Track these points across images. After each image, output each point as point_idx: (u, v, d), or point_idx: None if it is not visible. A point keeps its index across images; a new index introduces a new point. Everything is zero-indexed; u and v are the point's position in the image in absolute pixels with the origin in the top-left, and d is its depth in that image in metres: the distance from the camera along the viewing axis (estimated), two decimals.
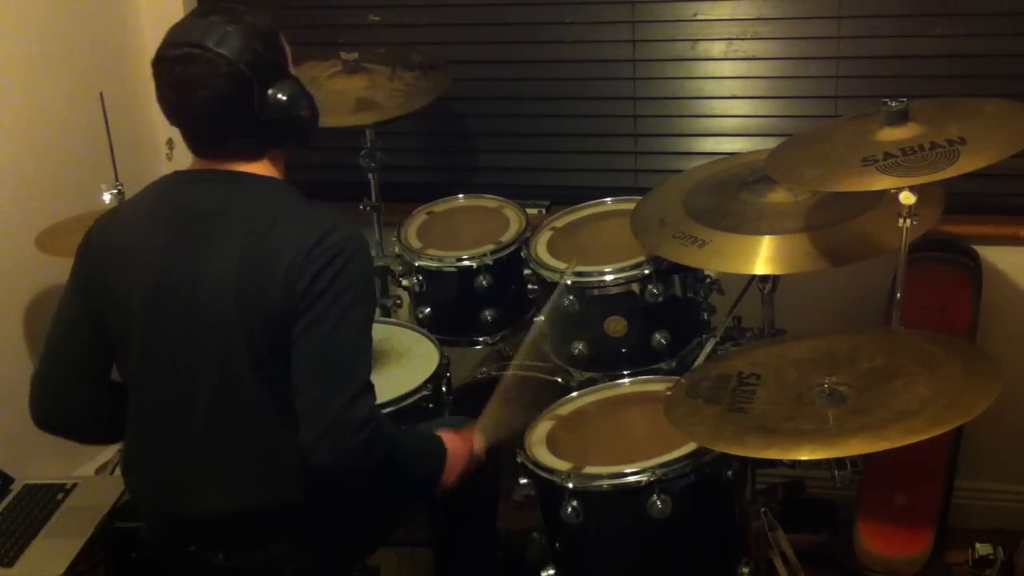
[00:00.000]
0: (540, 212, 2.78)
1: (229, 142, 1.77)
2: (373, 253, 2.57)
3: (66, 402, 1.87)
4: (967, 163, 1.76)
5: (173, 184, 1.83)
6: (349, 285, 1.71)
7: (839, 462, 1.93)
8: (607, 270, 2.27)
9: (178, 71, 1.71)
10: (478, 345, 2.57)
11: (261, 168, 1.80)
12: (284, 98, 1.75)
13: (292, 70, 1.82)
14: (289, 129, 1.78)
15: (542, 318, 2.26)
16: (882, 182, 1.79)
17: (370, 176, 2.73)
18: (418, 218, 2.69)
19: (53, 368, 1.88)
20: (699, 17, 2.74)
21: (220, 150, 1.78)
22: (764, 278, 2.16)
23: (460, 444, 1.98)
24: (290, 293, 1.69)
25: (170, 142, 2.99)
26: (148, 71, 1.76)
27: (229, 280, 1.71)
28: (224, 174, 1.78)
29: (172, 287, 1.74)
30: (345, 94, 2.63)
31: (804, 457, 1.65)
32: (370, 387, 1.74)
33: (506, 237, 2.53)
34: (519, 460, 2.04)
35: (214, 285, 1.72)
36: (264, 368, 1.73)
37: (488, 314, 2.50)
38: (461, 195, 2.76)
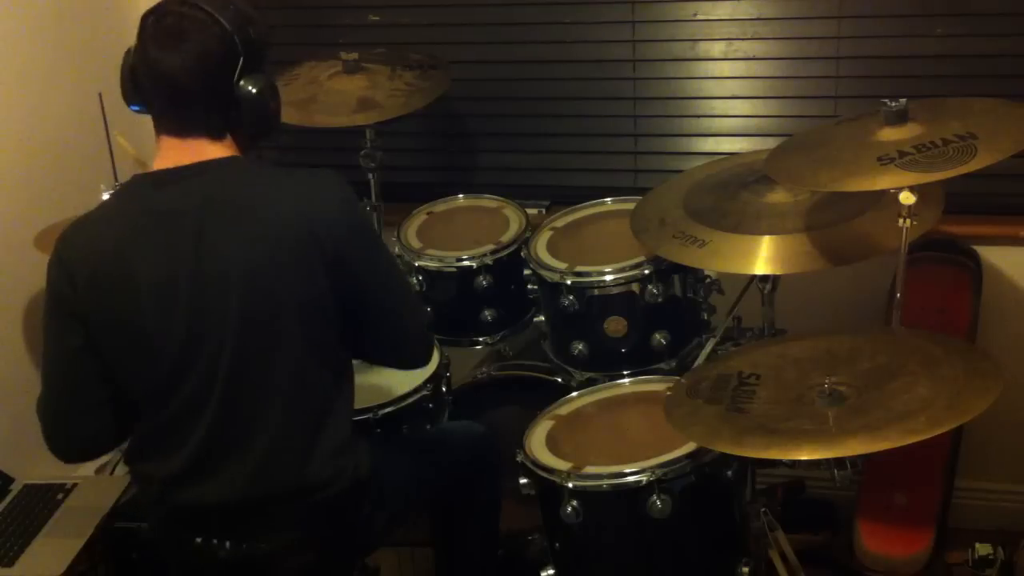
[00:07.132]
0: (540, 212, 2.78)
1: (199, 113, 1.76)
2: None
3: (81, 433, 1.87)
4: (987, 156, 1.75)
5: (143, 189, 1.80)
6: (374, 237, 1.89)
7: (839, 462, 1.93)
8: (607, 270, 2.27)
9: (169, 22, 1.72)
10: (478, 345, 2.57)
11: (224, 148, 1.79)
12: (261, 84, 1.77)
13: None
14: (259, 116, 1.79)
15: None
16: (903, 179, 1.77)
17: (370, 176, 2.72)
18: (418, 218, 2.69)
19: (60, 405, 1.85)
20: (699, 17, 2.74)
21: (189, 121, 1.77)
22: (764, 278, 2.16)
23: None
24: (326, 267, 1.75)
25: None
26: None
27: (238, 270, 1.72)
28: (192, 168, 1.76)
29: (178, 286, 1.73)
30: (345, 94, 2.63)
31: (804, 457, 1.65)
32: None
33: (506, 237, 2.53)
34: (519, 460, 2.04)
35: (220, 277, 1.72)
36: (280, 350, 1.76)
37: (488, 314, 2.50)
38: (461, 195, 2.76)
